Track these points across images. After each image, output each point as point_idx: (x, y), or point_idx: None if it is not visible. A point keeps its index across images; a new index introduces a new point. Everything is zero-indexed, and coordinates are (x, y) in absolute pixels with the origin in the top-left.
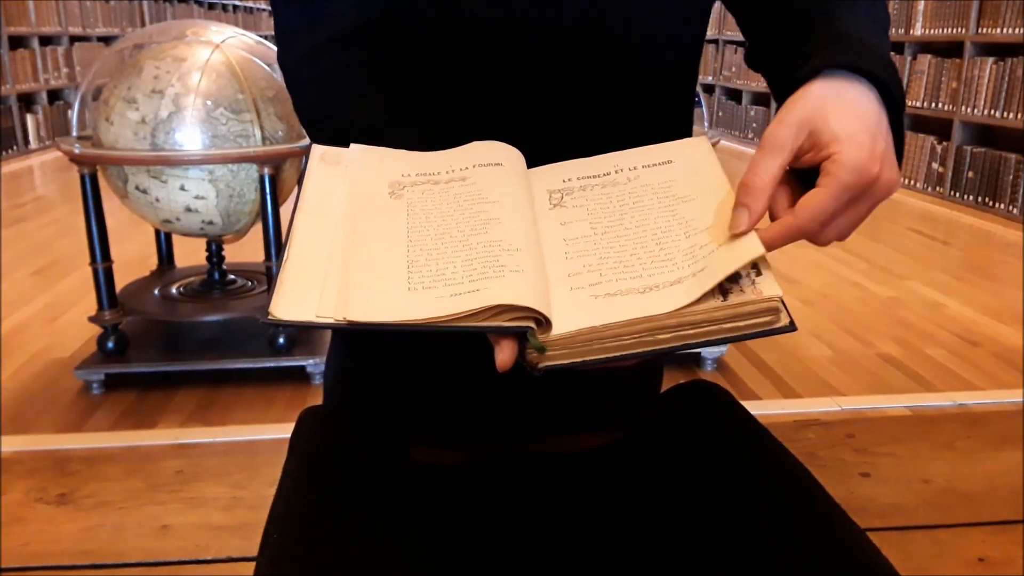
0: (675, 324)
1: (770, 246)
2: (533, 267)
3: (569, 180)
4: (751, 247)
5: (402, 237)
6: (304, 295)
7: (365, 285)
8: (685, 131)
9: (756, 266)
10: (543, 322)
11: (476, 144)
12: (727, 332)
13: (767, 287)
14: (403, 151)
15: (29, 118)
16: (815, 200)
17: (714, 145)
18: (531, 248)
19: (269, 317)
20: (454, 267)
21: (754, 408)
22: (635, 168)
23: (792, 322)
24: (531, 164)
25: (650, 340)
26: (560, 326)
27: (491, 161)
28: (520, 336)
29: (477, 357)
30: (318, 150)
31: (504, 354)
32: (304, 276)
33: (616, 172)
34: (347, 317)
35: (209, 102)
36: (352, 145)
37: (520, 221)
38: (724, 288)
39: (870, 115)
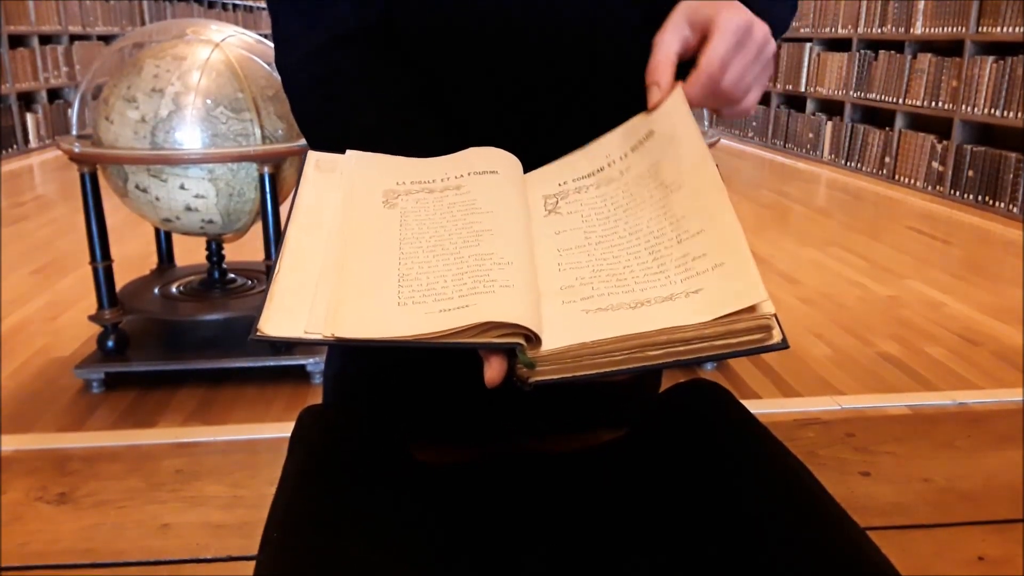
0: (665, 341)
1: (694, 101)
2: (524, 281)
3: (564, 183)
4: (755, 291)
5: (394, 249)
6: (294, 310)
7: (355, 300)
8: None
9: None
10: (532, 338)
11: (472, 150)
12: (718, 349)
13: (760, 304)
14: (399, 157)
15: (29, 117)
16: (708, 48)
17: (714, 144)
18: (523, 261)
19: (258, 334)
20: (444, 281)
21: (754, 407)
22: (625, 156)
23: (784, 339)
24: (530, 166)
25: (640, 356)
26: (550, 342)
27: (486, 169)
28: (510, 352)
29: (476, 358)
30: (313, 157)
31: (493, 370)
32: (294, 290)
33: (609, 165)
34: (335, 333)
35: (209, 101)
36: (348, 152)
37: (513, 233)
38: None
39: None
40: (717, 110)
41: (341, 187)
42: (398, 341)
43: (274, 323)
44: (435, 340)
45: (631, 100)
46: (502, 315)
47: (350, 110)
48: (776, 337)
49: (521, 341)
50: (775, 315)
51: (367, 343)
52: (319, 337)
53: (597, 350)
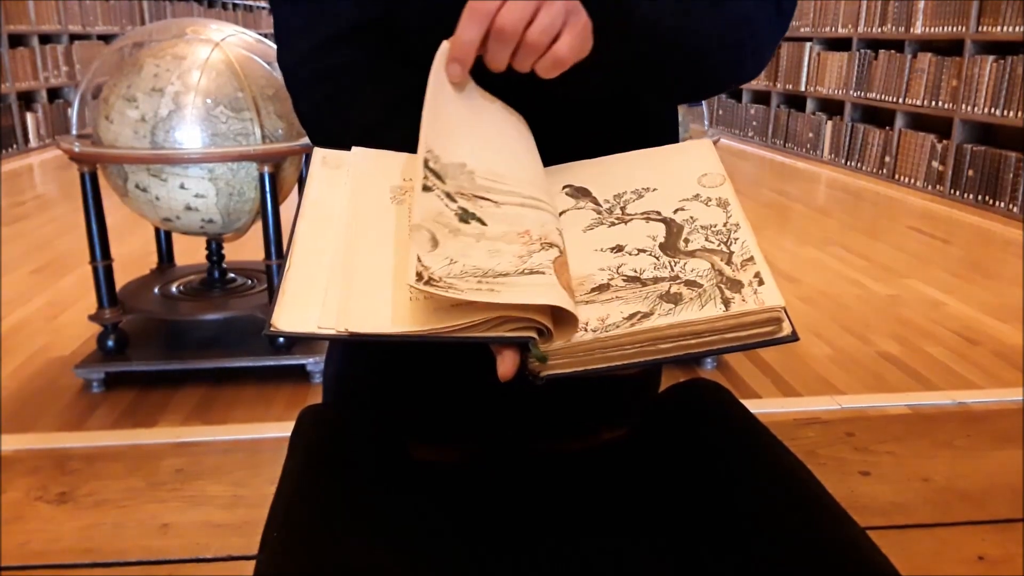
0: (677, 334)
1: (475, 49)
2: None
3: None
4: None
5: (403, 244)
6: (306, 305)
7: (366, 295)
8: (672, 123)
9: (759, 275)
10: (545, 331)
11: None
12: (729, 342)
13: (769, 297)
14: (405, 153)
15: (29, 116)
16: None
17: (715, 143)
18: None
19: (271, 328)
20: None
21: (754, 406)
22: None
23: (794, 331)
24: None
25: (652, 350)
26: (560, 335)
27: None
28: (522, 346)
29: (477, 356)
30: (320, 153)
31: (506, 365)
32: (306, 285)
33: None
34: (348, 328)
35: (209, 100)
36: (354, 148)
37: None
38: (726, 298)
39: None
40: (535, 69)
41: (348, 183)
42: (411, 336)
43: (287, 318)
44: (448, 334)
45: (631, 97)
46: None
47: (352, 108)
48: (786, 330)
49: (533, 335)
50: (784, 308)
51: (380, 338)
52: (332, 332)
53: (609, 343)
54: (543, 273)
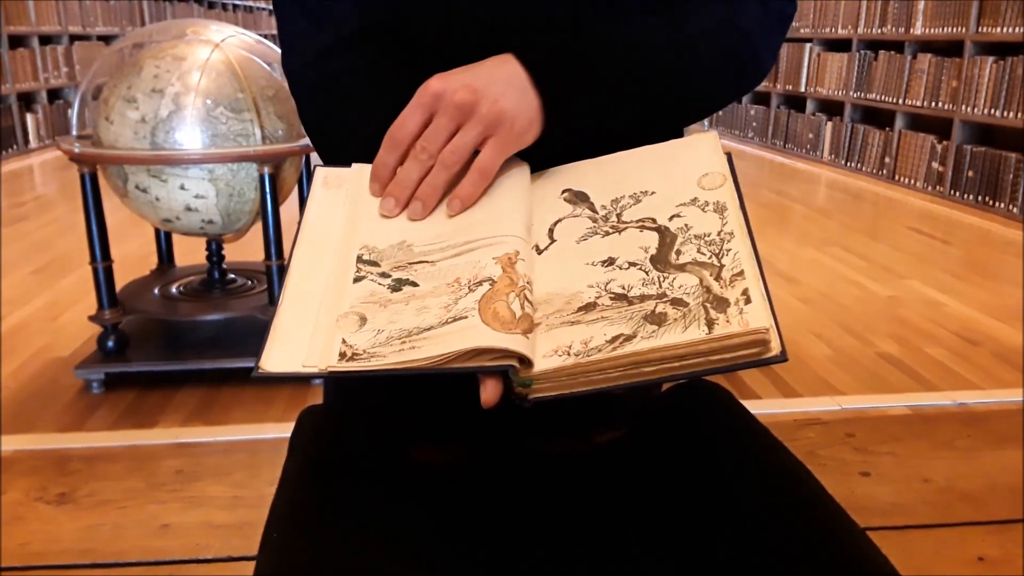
0: (659, 358)
1: (378, 173)
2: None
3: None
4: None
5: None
6: (295, 343)
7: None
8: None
9: (747, 292)
10: (526, 359)
11: None
12: (713, 364)
13: (755, 318)
14: None
15: (29, 117)
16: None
17: None
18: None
19: (259, 371)
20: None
21: (754, 407)
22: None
23: (783, 351)
24: (536, 167)
25: (635, 372)
26: (542, 363)
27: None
28: (504, 373)
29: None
30: (321, 173)
31: (488, 392)
32: (296, 323)
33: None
34: (330, 366)
35: (209, 101)
36: (355, 165)
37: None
38: (710, 319)
39: (485, 66)
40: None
41: (347, 204)
42: (391, 371)
43: (275, 359)
44: (428, 367)
45: (632, 101)
46: (491, 341)
47: (356, 112)
48: (774, 349)
49: (514, 363)
50: (774, 327)
51: (361, 374)
52: (315, 370)
53: (592, 368)
54: (465, 318)
